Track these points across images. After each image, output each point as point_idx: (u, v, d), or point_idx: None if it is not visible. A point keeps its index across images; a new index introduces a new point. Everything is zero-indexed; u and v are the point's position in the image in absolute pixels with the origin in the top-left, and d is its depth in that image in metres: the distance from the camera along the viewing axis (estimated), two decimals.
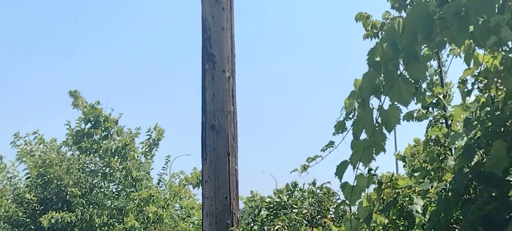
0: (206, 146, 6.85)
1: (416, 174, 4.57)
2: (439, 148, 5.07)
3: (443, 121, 5.38)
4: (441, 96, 5.27)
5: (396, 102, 2.79)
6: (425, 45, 2.80)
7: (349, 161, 3.01)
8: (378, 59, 2.76)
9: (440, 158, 5.07)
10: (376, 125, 2.85)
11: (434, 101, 5.35)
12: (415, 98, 4.84)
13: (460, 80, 4.59)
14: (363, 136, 2.93)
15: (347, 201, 3.32)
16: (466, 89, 4.41)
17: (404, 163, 5.88)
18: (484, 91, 3.66)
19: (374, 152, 2.91)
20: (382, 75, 2.76)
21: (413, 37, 2.65)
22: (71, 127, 11.79)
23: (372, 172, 4.38)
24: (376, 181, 4.37)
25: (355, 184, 3.12)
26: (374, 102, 2.89)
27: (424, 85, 5.37)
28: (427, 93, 5.34)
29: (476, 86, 3.96)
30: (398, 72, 2.73)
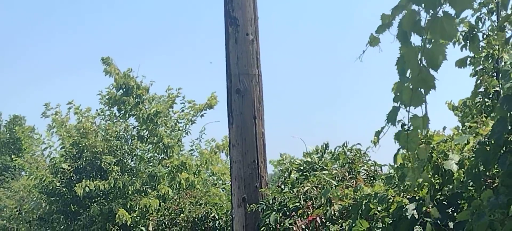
0: (232, 110, 6.83)
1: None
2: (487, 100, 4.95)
3: (495, 73, 5.24)
4: (496, 46, 5.09)
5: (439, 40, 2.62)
6: None
7: (398, 104, 2.86)
8: None
9: (489, 110, 4.95)
10: (421, 64, 2.68)
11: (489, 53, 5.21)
12: (468, 46, 4.69)
13: (498, 28, 4.36)
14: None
15: (404, 150, 3.09)
16: (504, 38, 4.20)
17: (458, 115, 5.81)
18: None
19: (423, 92, 2.73)
20: (423, 6, 2.61)
21: None
22: (103, 94, 11.81)
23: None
24: None
25: (410, 128, 2.90)
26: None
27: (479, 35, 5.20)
28: (482, 44, 5.18)
29: None
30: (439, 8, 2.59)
